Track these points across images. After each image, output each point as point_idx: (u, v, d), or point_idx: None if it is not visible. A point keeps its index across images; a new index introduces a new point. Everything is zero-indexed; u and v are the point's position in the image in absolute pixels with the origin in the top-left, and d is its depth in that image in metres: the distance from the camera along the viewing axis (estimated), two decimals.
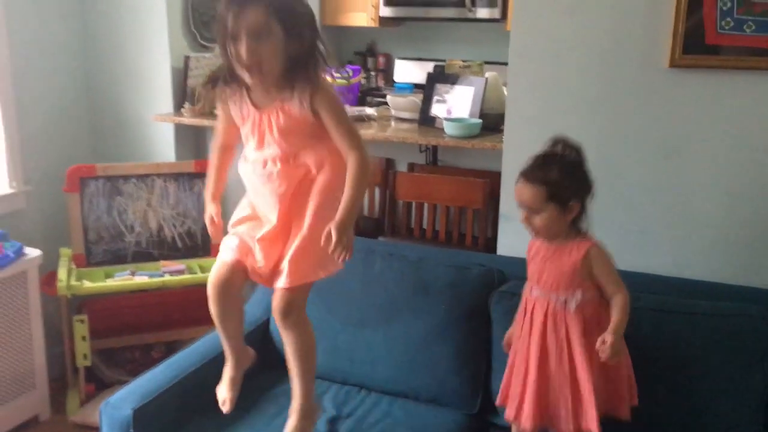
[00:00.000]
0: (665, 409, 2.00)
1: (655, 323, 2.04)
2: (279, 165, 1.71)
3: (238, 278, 1.78)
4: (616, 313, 1.77)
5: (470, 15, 4.85)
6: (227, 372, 1.93)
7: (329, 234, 1.61)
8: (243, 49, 1.59)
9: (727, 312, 2.02)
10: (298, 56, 1.64)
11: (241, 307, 1.91)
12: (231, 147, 1.88)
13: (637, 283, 2.17)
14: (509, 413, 1.88)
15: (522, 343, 1.87)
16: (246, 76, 1.64)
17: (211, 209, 1.89)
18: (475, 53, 4.28)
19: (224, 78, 1.71)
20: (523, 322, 1.88)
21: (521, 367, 1.86)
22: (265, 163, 1.72)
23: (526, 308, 1.88)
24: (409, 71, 5.15)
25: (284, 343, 1.80)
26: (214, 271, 1.79)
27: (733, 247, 2.23)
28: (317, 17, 5.63)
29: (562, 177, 1.77)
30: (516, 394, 1.86)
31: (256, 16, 1.57)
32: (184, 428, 2.05)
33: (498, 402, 1.96)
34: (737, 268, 2.23)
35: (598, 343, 1.73)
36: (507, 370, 1.93)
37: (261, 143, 1.73)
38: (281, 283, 1.72)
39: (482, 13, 4.60)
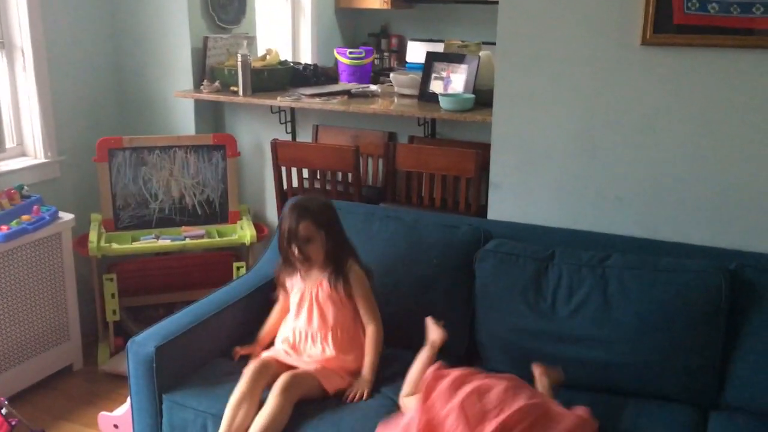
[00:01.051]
0: (624, 361, 2.14)
1: (620, 280, 2.18)
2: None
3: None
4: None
5: None
6: None
7: (360, 390, 2.15)
8: (296, 250, 2.21)
9: (687, 269, 2.14)
10: (334, 248, 2.25)
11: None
12: (285, 310, 2.39)
13: (611, 244, 2.36)
14: None
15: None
16: (298, 265, 2.27)
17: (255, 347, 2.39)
18: (486, 34, 4.40)
19: (284, 260, 2.32)
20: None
21: None
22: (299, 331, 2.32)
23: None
24: (421, 52, 5.31)
25: (266, 404, 2.04)
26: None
27: (700, 211, 2.39)
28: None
29: None
30: None
31: (305, 228, 2.20)
32: (200, 367, 2.29)
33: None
34: (703, 230, 2.39)
35: None
36: None
37: (300, 309, 2.30)
38: (309, 367, 2.20)
39: None
